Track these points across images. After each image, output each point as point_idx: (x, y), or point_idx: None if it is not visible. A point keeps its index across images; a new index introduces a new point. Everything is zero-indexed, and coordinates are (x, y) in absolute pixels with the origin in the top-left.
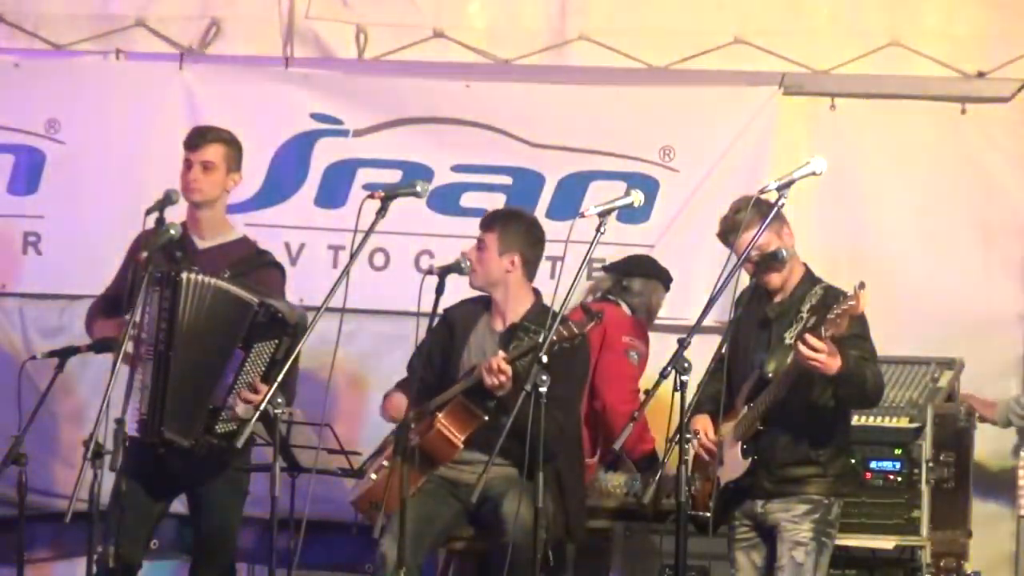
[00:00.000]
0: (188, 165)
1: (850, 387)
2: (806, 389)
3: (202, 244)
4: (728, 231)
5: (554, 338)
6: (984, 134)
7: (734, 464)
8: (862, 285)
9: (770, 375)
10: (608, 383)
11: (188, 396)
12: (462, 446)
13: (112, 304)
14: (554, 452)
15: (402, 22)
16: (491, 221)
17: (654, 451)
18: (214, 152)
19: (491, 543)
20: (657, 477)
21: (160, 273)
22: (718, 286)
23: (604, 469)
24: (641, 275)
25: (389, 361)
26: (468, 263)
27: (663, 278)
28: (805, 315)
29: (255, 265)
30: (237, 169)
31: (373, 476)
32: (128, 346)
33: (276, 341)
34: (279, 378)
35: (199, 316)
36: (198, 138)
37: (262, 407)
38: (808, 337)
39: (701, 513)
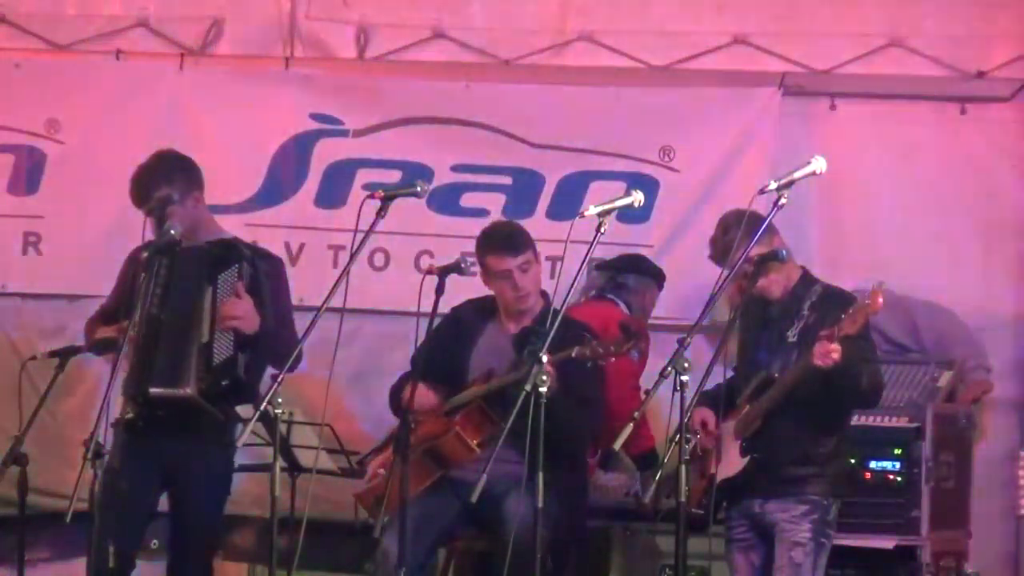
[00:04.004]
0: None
1: (843, 382)
2: (809, 388)
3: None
4: (721, 254)
5: (588, 353)
6: (984, 134)
7: (732, 461)
8: (880, 284)
9: (775, 375)
10: (610, 380)
11: (172, 349)
12: (478, 451)
13: (110, 319)
14: (572, 452)
15: (402, 22)
16: (524, 240)
17: (654, 449)
18: (160, 201)
19: (492, 542)
20: (657, 477)
21: (159, 246)
22: (718, 286)
23: (604, 470)
24: (636, 272)
25: (389, 361)
26: (519, 291)
27: (656, 277)
28: (806, 313)
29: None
30: (195, 187)
31: (381, 471)
32: (127, 347)
33: (236, 266)
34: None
35: (177, 279)
36: (140, 196)
37: (262, 407)
38: (825, 343)
39: (694, 510)
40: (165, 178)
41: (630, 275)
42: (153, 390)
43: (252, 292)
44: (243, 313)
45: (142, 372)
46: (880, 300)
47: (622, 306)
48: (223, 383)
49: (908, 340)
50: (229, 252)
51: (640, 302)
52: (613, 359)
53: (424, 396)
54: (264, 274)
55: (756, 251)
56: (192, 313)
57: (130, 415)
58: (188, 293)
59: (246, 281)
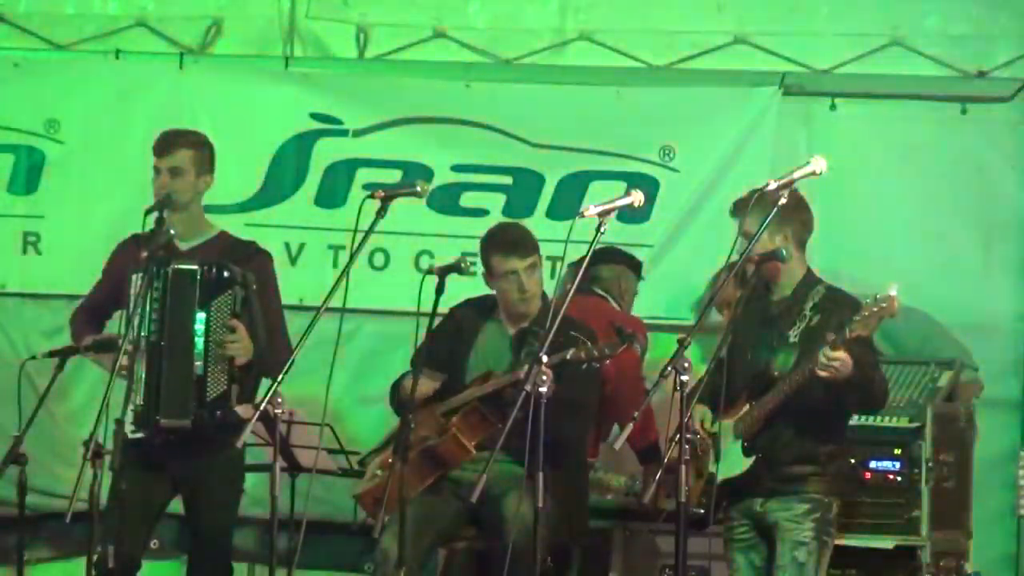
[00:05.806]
0: (157, 172)
1: (857, 393)
2: (811, 390)
3: (184, 246)
4: (738, 209)
5: (583, 356)
6: (984, 134)
7: (734, 461)
8: (895, 287)
9: (776, 374)
10: (618, 371)
11: (177, 379)
12: (475, 452)
13: (94, 315)
14: (566, 453)
15: (402, 22)
16: (531, 243)
17: (658, 444)
18: (182, 158)
19: (491, 543)
20: (658, 476)
21: (154, 268)
22: (718, 286)
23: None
24: (605, 262)
25: (389, 361)
26: (525, 293)
27: (629, 263)
28: (808, 314)
29: (245, 255)
30: (209, 171)
31: (379, 472)
32: (128, 347)
33: (230, 292)
34: (280, 379)
35: (171, 303)
36: (165, 144)
37: (262, 407)
38: (829, 351)
39: (693, 509)
40: (196, 145)
41: (600, 266)
42: (164, 422)
43: (244, 315)
44: (237, 350)
45: (150, 403)
46: (896, 304)
47: (611, 301)
48: (216, 413)
49: (888, 345)
50: (221, 276)
51: (617, 289)
52: (607, 360)
53: (425, 387)
54: (253, 289)
55: (761, 242)
56: (187, 341)
57: (141, 435)
58: (183, 319)
59: (238, 306)
